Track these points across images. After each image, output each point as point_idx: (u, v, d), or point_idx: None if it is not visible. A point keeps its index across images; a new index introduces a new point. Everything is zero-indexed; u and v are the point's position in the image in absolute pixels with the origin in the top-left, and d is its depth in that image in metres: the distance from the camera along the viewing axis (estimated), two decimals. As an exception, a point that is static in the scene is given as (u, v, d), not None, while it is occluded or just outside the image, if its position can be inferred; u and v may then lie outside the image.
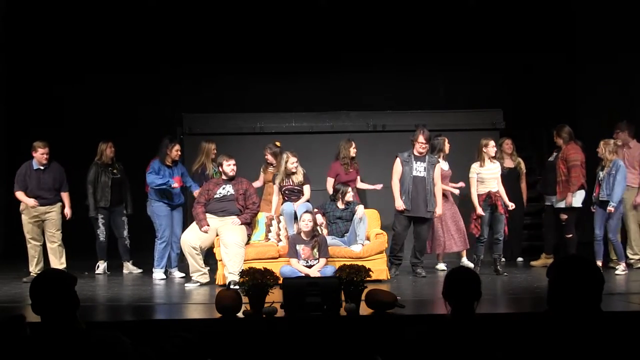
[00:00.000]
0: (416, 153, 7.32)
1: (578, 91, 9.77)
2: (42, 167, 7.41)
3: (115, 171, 7.94)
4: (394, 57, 9.57)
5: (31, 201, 7.26)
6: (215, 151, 7.96)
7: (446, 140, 7.80)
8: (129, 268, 7.98)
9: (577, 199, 7.47)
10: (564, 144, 7.56)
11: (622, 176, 7.08)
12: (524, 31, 9.61)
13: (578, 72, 9.68)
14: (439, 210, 7.33)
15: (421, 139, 7.29)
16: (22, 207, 7.39)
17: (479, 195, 7.28)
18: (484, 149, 7.31)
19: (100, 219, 7.85)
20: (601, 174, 7.23)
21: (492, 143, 7.38)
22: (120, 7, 9.42)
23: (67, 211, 7.50)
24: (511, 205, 7.33)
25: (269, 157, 8.05)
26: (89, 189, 7.78)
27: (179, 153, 7.64)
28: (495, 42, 9.58)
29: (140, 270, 7.93)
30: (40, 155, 7.36)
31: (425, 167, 7.33)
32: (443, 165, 7.70)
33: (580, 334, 2.43)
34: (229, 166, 7.20)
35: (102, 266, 7.88)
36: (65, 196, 7.53)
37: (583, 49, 9.61)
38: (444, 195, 7.63)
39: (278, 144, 8.11)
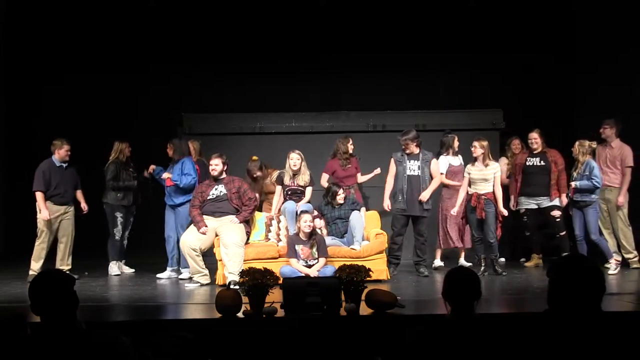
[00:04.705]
0: (408, 152, 7.40)
1: (578, 91, 9.76)
2: (64, 164, 7.49)
3: (131, 170, 7.97)
4: (394, 57, 9.56)
5: (45, 213, 7.28)
6: (196, 149, 8.01)
7: (456, 138, 8.06)
8: (122, 268, 7.94)
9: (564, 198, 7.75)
10: (547, 147, 7.81)
11: (596, 176, 7.22)
12: (524, 31, 9.59)
13: (578, 72, 9.67)
14: (424, 196, 7.30)
15: (402, 139, 7.40)
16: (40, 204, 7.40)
17: (467, 195, 7.34)
18: (471, 148, 7.39)
19: (120, 217, 7.83)
20: (574, 174, 7.34)
21: (476, 144, 7.31)
22: (120, 7, 9.42)
23: (84, 205, 7.68)
24: (503, 211, 7.27)
25: (258, 174, 8.10)
26: (111, 185, 7.74)
27: (168, 152, 7.71)
28: (495, 42, 9.57)
29: (132, 271, 7.96)
30: (65, 152, 7.48)
31: (419, 166, 7.37)
32: (452, 161, 7.95)
33: (580, 334, 2.43)
34: (210, 166, 7.21)
35: (115, 267, 7.79)
36: (79, 193, 7.69)
37: (583, 49, 9.60)
38: (456, 191, 7.71)
39: (255, 158, 8.23)
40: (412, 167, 7.39)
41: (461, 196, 7.40)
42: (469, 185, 7.34)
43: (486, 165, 7.29)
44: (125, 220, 7.92)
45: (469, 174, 7.34)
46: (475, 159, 7.34)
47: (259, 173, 8.11)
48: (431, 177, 7.45)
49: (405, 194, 7.35)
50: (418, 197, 7.33)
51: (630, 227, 7.61)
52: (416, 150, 7.43)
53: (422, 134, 7.72)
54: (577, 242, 7.39)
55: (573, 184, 7.31)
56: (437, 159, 7.75)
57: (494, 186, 7.27)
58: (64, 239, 7.50)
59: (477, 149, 7.30)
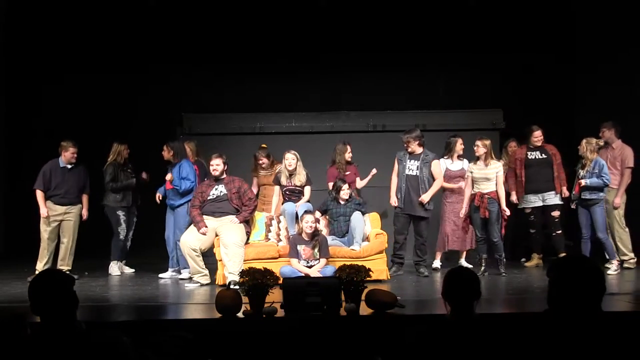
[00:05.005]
0: (409, 151, 7.39)
1: (578, 91, 9.76)
2: (69, 166, 7.49)
3: (129, 171, 7.96)
4: (394, 57, 9.55)
5: (43, 211, 7.35)
6: (193, 150, 7.97)
7: (459, 141, 7.89)
8: (122, 268, 7.94)
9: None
10: (544, 143, 7.89)
11: (606, 174, 7.24)
12: (524, 31, 9.59)
13: (578, 72, 9.67)
14: (425, 197, 7.31)
15: (404, 137, 7.41)
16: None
17: (470, 195, 7.34)
18: (474, 147, 7.38)
19: (122, 216, 7.83)
20: (581, 172, 7.34)
21: (478, 143, 7.30)
22: (120, 6, 9.42)
23: (85, 212, 7.64)
24: (506, 210, 7.26)
25: (264, 160, 8.08)
26: (110, 187, 7.74)
27: (164, 155, 7.69)
28: (495, 42, 9.57)
29: (132, 271, 7.96)
30: (70, 154, 7.48)
31: (418, 166, 7.36)
32: (451, 165, 7.85)
33: (580, 334, 2.43)
34: (211, 166, 7.21)
35: (115, 267, 7.78)
36: (85, 198, 7.67)
37: (583, 49, 9.60)
38: (457, 193, 7.72)
39: (264, 145, 8.22)
40: (412, 167, 7.40)
41: (467, 196, 7.39)
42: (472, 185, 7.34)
43: (487, 165, 7.28)
44: (128, 219, 7.92)
45: (471, 173, 7.33)
46: (477, 158, 7.34)
47: (264, 159, 8.10)
48: (432, 178, 7.44)
49: (402, 193, 7.37)
50: (416, 197, 7.32)
51: (627, 229, 7.57)
52: (418, 150, 7.43)
53: (421, 134, 7.72)
54: (582, 241, 7.35)
55: (583, 181, 7.25)
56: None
57: (496, 185, 7.27)
58: (65, 240, 7.51)
59: (480, 148, 7.30)
